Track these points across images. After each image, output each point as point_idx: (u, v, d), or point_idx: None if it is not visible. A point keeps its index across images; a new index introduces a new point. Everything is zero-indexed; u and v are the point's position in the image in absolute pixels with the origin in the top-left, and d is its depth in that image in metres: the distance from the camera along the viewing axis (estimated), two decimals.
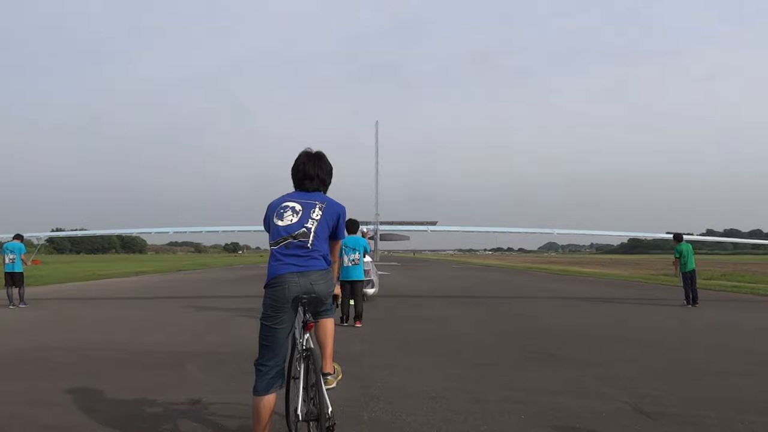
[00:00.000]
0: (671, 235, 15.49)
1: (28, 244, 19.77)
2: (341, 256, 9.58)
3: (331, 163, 3.67)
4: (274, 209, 3.45)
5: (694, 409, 4.59)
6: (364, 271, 10.43)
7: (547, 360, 6.75)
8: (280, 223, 3.37)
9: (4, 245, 14.52)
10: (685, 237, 14.76)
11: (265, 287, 3.30)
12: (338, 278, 3.89)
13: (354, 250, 9.79)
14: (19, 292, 13.51)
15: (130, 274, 33.47)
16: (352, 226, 10.03)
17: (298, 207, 3.41)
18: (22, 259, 13.82)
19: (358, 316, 9.84)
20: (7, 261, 13.77)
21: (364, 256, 10.11)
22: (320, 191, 3.57)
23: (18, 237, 14.41)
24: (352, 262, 9.78)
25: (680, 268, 13.92)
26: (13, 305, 13.18)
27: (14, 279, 13.59)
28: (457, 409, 4.56)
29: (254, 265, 55.40)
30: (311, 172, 3.52)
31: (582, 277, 30.33)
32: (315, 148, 3.65)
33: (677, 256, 13.99)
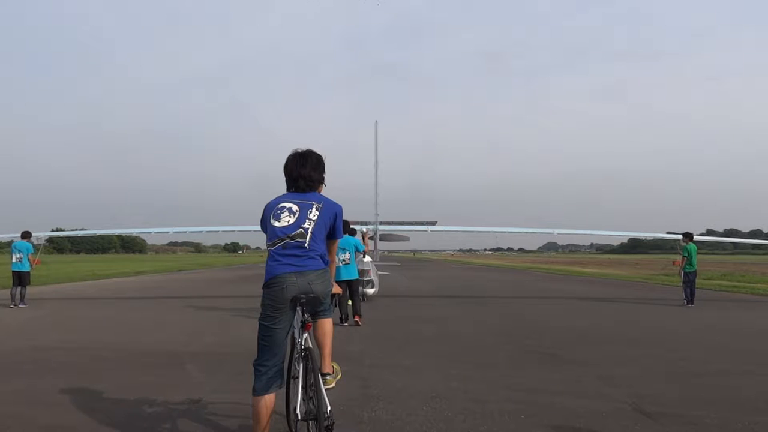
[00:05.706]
0: (672, 235, 15.48)
1: None
2: None
3: (320, 155, 3.62)
4: (271, 210, 3.45)
5: (694, 409, 4.59)
6: (365, 271, 10.46)
7: (547, 360, 6.75)
8: (276, 224, 3.37)
9: (13, 244, 14.58)
10: None
11: (263, 287, 3.30)
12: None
13: (344, 250, 9.82)
14: (20, 292, 13.54)
15: (130, 274, 33.45)
16: (345, 226, 10.05)
17: (294, 208, 3.41)
18: (29, 259, 13.89)
19: (356, 311, 9.86)
20: (14, 260, 13.86)
21: (363, 255, 10.13)
22: (315, 190, 3.56)
23: (25, 235, 14.43)
24: (343, 263, 9.81)
25: (684, 267, 13.95)
26: (14, 305, 13.20)
27: (21, 278, 13.66)
28: (457, 409, 4.55)
29: (254, 265, 55.33)
30: (296, 172, 3.52)
31: (582, 277, 30.32)
32: (313, 148, 3.64)
33: (685, 255, 14.00)
